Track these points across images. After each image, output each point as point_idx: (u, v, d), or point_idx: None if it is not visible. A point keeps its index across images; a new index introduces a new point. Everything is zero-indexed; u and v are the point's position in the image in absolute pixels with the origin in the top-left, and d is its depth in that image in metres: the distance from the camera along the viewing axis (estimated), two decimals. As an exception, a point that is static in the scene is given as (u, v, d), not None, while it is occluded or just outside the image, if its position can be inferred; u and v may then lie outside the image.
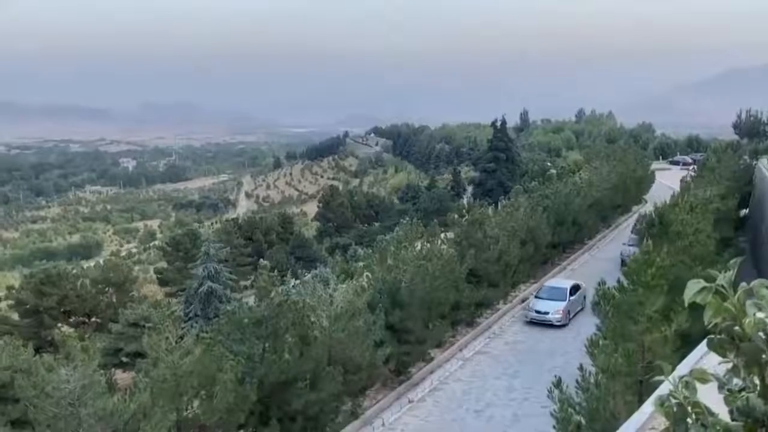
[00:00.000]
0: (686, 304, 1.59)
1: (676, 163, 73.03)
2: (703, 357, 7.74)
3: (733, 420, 1.41)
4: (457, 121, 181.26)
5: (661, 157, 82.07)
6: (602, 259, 31.85)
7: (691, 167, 49.89)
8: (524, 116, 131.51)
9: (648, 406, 6.59)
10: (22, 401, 11.91)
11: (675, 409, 1.43)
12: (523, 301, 26.76)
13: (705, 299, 1.49)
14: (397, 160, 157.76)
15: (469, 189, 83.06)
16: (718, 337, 1.48)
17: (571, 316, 24.23)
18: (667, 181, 51.25)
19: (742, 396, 1.41)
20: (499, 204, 34.55)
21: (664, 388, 1.58)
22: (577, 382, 11.31)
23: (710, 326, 1.52)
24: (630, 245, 28.01)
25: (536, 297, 25.03)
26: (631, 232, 32.36)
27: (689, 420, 1.43)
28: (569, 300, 24.32)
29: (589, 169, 42.54)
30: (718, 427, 1.36)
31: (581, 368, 11.95)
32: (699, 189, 24.89)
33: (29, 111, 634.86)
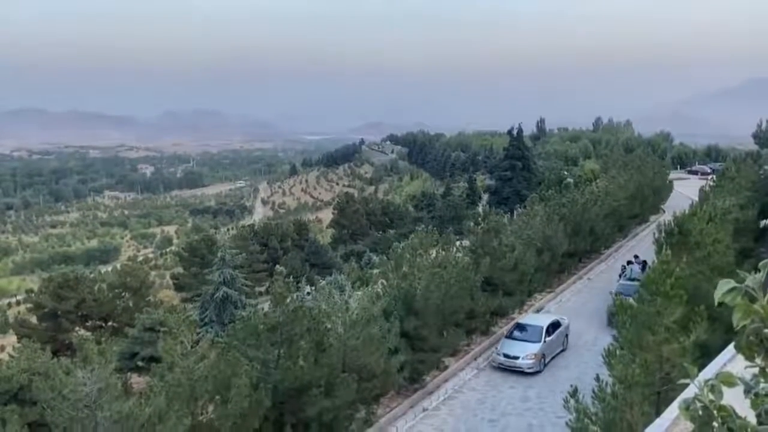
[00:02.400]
0: (716, 303, 1.57)
1: (695, 172, 72.39)
2: (727, 363, 7.62)
3: (760, 424, 1.38)
4: (474, 129, 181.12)
5: (679, 167, 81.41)
6: (619, 269, 31.55)
7: (709, 177, 49.40)
8: (541, 125, 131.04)
9: (669, 413, 6.50)
10: (40, 404, 12.02)
11: (700, 412, 1.40)
12: (538, 310, 26.56)
13: (734, 300, 1.46)
14: (412, 167, 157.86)
15: (485, 197, 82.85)
16: (747, 339, 1.45)
17: (547, 361, 20.74)
18: (686, 190, 50.80)
19: (771, 398, 1.39)
20: (515, 212, 34.42)
21: (689, 392, 1.56)
22: (593, 392, 11.18)
23: (738, 328, 1.49)
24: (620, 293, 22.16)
25: (506, 337, 21.50)
26: (620, 276, 28.60)
27: (715, 424, 1.40)
28: (545, 341, 20.75)
29: (606, 178, 42.24)
30: (745, 430, 1.33)
31: (598, 378, 11.83)
32: (718, 199, 24.58)
33: (54, 118, 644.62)
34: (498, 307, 23.43)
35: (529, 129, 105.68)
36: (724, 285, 1.50)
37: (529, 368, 19.93)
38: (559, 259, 28.88)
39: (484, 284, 22.22)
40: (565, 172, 74.59)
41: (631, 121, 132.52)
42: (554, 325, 21.68)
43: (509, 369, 20.19)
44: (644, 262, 27.11)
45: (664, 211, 45.66)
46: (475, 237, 24.92)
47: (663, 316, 11.66)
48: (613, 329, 16.96)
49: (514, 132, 74.60)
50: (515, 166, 71.71)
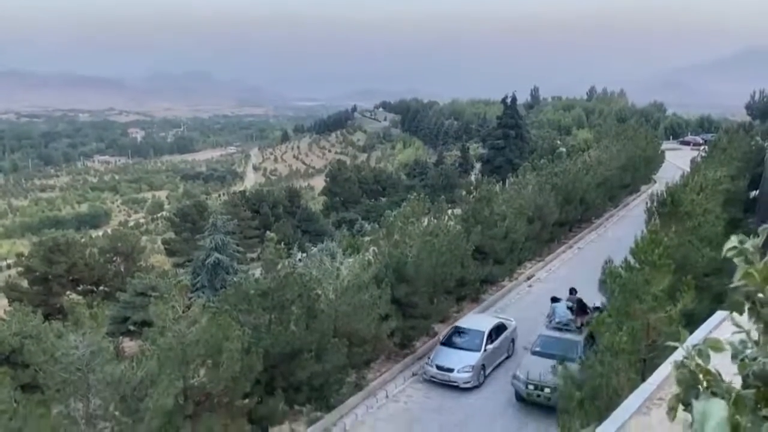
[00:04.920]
0: (722, 256, 1.58)
1: (687, 143, 72.51)
2: (713, 330, 7.75)
3: (745, 387, 1.40)
4: (467, 97, 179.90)
5: (671, 137, 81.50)
6: (609, 239, 31.78)
7: (701, 147, 49.51)
8: (535, 93, 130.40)
9: (654, 378, 6.62)
10: (32, 366, 12.08)
11: (687, 376, 1.43)
12: (528, 278, 26.79)
13: (736, 257, 1.48)
14: (405, 135, 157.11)
15: (477, 166, 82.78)
16: (739, 298, 1.47)
17: (487, 372, 17.94)
18: (678, 161, 50.96)
19: (758, 361, 1.40)
20: (507, 181, 34.41)
21: (677, 356, 1.58)
22: (580, 359, 11.37)
23: (733, 286, 1.50)
24: (554, 323, 17.89)
25: (442, 343, 18.58)
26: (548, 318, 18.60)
27: (700, 387, 1.43)
28: (485, 350, 17.86)
29: (599, 148, 42.26)
30: (729, 394, 1.35)
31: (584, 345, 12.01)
32: (709, 169, 24.69)
33: (39, 79, 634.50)
34: (488, 275, 23.62)
35: (523, 97, 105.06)
36: (732, 241, 1.52)
37: (465, 383, 17.21)
38: (549, 228, 29.04)
39: (474, 252, 22.35)
40: (558, 142, 74.55)
41: (625, 90, 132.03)
42: (498, 329, 18.86)
43: (442, 383, 17.38)
44: (579, 301, 18.32)
45: (655, 182, 45.86)
46: (467, 206, 24.98)
47: (651, 284, 11.80)
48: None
49: (508, 100, 74.20)
50: (508, 135, 71.51)
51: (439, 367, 17.53)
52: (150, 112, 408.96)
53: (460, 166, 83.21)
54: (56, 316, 25.95)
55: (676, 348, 1.61)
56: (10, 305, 30.67)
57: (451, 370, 17.31)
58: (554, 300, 18.68)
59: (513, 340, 19.38)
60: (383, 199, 71.04)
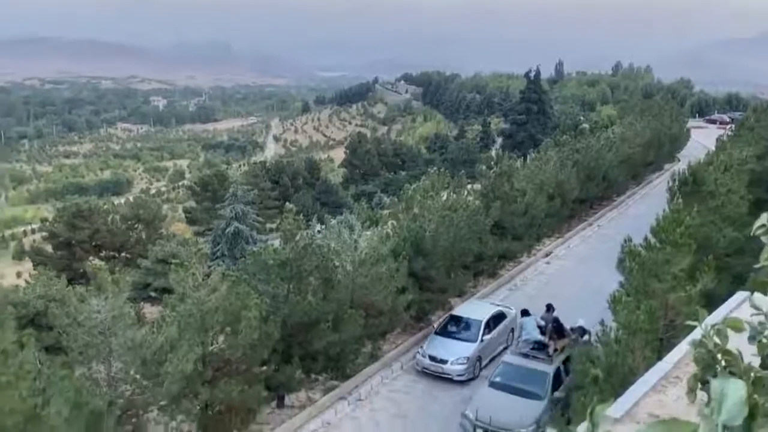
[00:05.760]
0: (752, 234, 1.56)
1: (713, 121, 71.04)
2: (733, 311, 7.68)
3: (764, 368, 1.39)
4: (490, 70, 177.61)
5: (698, 115, 79.89)
6: (630, 217, 31.42)
7: (728, 126, 48.47)
8: (559, 68, 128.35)
9: (671, 357, 6.61)
10: (56, 329, 12.38)
11: (705, 356, 1.42)
12: (547, 255, 26.68)
13: (765, 236, 1.46)
14: (426, 108, 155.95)
15: (499, 141, 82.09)
16: (764, 278, 1.45)
17: (484, 364, 16.81)
18: (703, 139, 49.93)
19: (779, 342, 1.40)
20: (528, 157, 34.07)
21: (695, 336, 1.57)
22: (597, 336, 11.36)
23: (759, 266, 1.49)
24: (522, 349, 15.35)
25: (436, 333, 17.53)
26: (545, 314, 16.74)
27: (718, 367, 1.42)
28: (482, 340, 16.80)
29: (623, 125, 41.57)
30: (747, 374, 1.35)
31: (602, 323, 11.99)
32: (735, 148, 24.19)
33: (63, 45, 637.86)
34: (506, 250, 23.56)
35: (547, 72, 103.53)
36: (762, 219, 1.49)
37: (458, 375, 16.20)
38: (570, 205, 28.80)
39: (493, 228, 22.27)
40: (582, 118, 73.51)
41: (652, 66, 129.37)
42: (497, 318, 17.75)
43: (435, 375, 16.45)
44: (556, 320, 15.70)
45: (679, 160, 45.07)
46: (487, 181, 24.83)
47: (671, 264, 11.70)
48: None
49: (532, 75, 73.21)
50: (531, 110, 70.70)
51: (432, 358, 16.54)
52: (172, 80, 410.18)
53: (481, 140, 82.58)
54: (79, 281, 26.48)
55: (694, 327, 1.61)
56: (35, 269, 31.33)
57: (444, 362, 16.32)
58: (524, 313, 16.21)
59: (513, 330, 17.97)
60: (403, 173, 70.85)
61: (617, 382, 9.87)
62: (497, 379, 14.29)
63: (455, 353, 16.41)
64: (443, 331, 17.48)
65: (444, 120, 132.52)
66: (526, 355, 14.63)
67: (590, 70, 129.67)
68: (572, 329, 15.46)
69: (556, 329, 15.08)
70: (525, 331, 15.45)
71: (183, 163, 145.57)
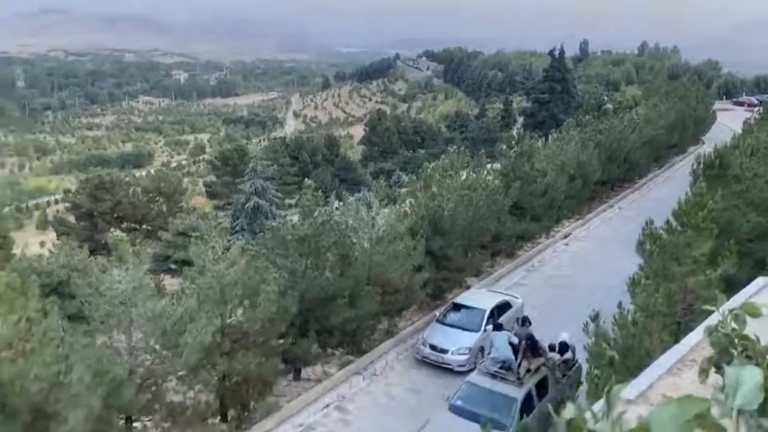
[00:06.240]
0: None
1: (741, 103, 69.61)
2: (752, 296, 7.61)
3: (782, 354, 1.39)
4: (513, 47, 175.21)
5: (725, 97, 78.30)
6: (652, 200, 31.06)
7: (756, 109, 47.45)
8: (584, 46, 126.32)
9: (688, 340, 6.58)
10: (78, 298, 12.63)
11: (722, 340, 1.42)
12: (565, 236, 26.52)
13: None
14: (447, 86, 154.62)
15: (520, 120, 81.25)
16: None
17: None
18: (729, 122, 49.00)
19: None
20: (550, 137, 33.72)
21: (712, 320, 1.56)
22: (614, 318, 11.32)
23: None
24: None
25: (438, 321, 16.84)
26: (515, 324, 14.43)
27: (734, 351, 1.42)
28: (486, 330, 15.69)
29: (647, 106, 40.89)
30: (764, 359, 1.34)
31: (620, 306, 11.93)
32: (762, 132, 23.70)
33: (86, 19, 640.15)
34: (524, 231, 23.47)
35: (571, 50, 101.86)
36: None
37: (459, 366, 15.38)
38: (591, 187, 28.54)
39: (512, 208, 22.17)
40: (605, 98, 72.44)
41: (679, 47, 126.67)
42: (502, 308, 16.86)
43: (436, 365, 15.67)
44: (530, 337, 13.03)
45: (704, 143, 44.33)
46: (507, 160, 24.67)
47: (692, 248, 11.58)
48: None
49: (556, 53, 72.10)
50: (554, 89, 69.80)
51: (432, 347, 15.84)
52: (194, 54, 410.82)
53: (502, 119, 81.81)
54: (101, 252, 26.93)
55: (712, 312, 1.60)
56: (58, 239, 31.89)
57: (445, 351, 15.60)
58: (496, 328, 13.89)
59: (518, 320, 16.93)
60: (422, 151, 70.59)
61: (633, 365, 9.85)
62: (458, 403, 12.45)
63: (457, 343, 15.71)
64: (445, 320, 16.72)
65: (465, 98, 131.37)
66: (494, 376, 12.51)
67: (615, 50, 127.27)
68: (551, 346, 13.57)
69: (531, 347, 12.94)
70: (494, 347, 13.29)
71: (204, 137, 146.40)
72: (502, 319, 15.97)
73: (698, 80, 68.76)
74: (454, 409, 12.36)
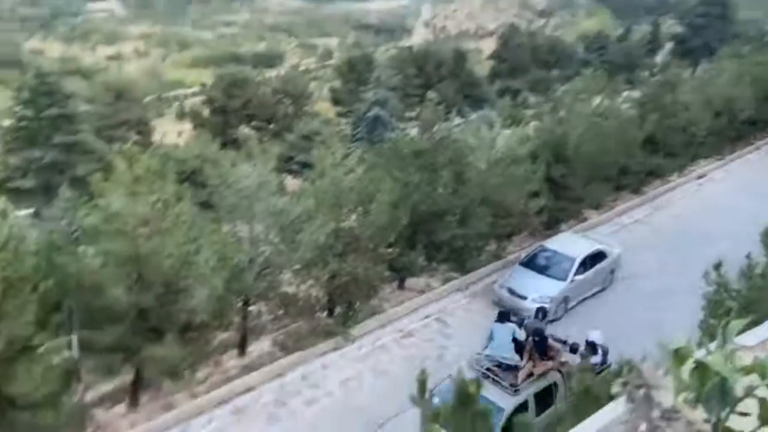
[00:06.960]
0: None
1: None
2: None
3: None
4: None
5: None
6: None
7: None
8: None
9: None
10: (209, 187, 13.59)
11: None
12: (700, 177, 24.62)
13: None
14: (591, 2, 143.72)
15: (668, 46, 74.46)
16: None
17: (570, 305, 14.86)
18: None
19: None
20: (700, 67, 30.83)
21: None
22: (741, 269, 10.61)
23: None
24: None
25: (521, 264, 15.60)
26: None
27: None
28: (573, 280, 14.73)
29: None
30: None
31: (748, 256, 11.09)
32: None
33: None
34: (656, 167, 22.05)
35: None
36: None
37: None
38: (738, 126, 26.04)
39: (645, 141, 20.81)
40: (771, 27, 64.48)
41: None
42: (595, 258, 15.44)
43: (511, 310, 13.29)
44: (537, 332, 11.05)
45: None
46: (647, 89, 22.96)
47: None
48: None
49: (721, -29, 64.38)
50: (710, 13, 62.91)
51: (510, 291, 14.66)
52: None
53: (648, 43, 75.39)
54: (231, 147, 28.52)
55: None
56: (193, 130, 34.09)
57: (524, 298, 14.31)
58: (502, 318, 11.49)
59: (613, 271, 16.00)
60: (554, 72, 67.01)
61: (752, 319, 9.28)
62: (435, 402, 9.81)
63: (539, 290, 14.40)
64: (530, 264, 15.42)
65: (610, 18, 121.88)
66: (485, 376, 10.07)
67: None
68: (573, 347, 11.40)
69: (538, 346, 10.74)
70: (494, 341, 11.01)
71: (332, 42, 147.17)
72: (593, 271, 14.82)
73: None
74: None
